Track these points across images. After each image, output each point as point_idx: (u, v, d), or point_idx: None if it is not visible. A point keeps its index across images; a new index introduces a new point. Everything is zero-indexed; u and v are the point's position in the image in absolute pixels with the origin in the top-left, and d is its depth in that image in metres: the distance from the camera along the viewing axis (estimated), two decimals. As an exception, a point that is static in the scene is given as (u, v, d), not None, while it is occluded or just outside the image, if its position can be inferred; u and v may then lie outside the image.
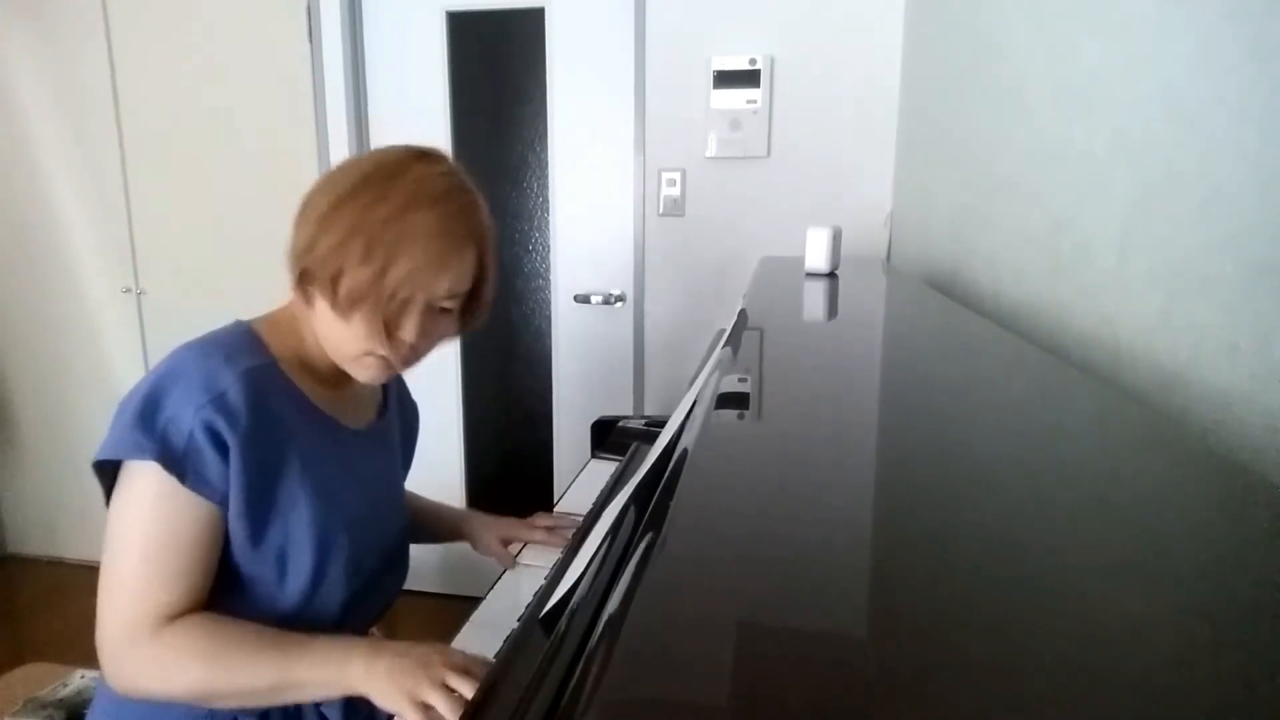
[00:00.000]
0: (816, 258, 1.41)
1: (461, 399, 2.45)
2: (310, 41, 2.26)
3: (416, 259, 0.78)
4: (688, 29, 2.06)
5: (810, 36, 2.01)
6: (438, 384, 2.44)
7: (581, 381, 2.37)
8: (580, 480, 1.38)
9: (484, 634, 0.88)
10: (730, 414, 0.64)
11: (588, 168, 2.24)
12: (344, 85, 2.26)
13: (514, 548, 1.13)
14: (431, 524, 1.19)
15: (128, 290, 2.54)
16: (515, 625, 0.88)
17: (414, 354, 0.85)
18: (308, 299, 0.82)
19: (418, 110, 2.30)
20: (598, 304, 2.29)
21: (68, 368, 2.65)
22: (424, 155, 0.83)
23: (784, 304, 1.20)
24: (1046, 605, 0.34)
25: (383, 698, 0.74)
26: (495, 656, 0.80)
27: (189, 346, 0.80)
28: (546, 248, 2.32)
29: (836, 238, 1.42)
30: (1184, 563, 0.38)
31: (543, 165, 2.28)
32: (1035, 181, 1.06)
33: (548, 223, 2.31)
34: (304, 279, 0.80)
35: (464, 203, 0.82)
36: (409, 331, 0.82)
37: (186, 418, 0.74)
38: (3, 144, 2.55)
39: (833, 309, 1.18)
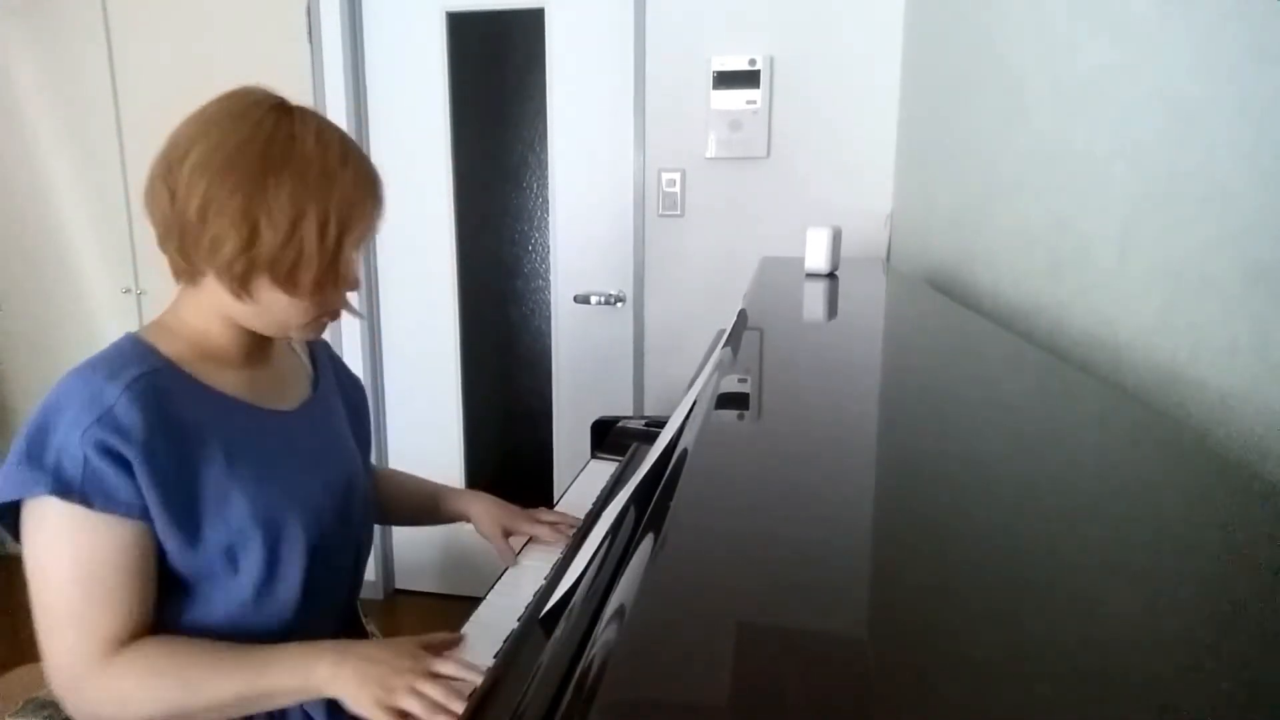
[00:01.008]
0: (816, 258, 1.41)
1: (461, 399, 2.45)
2: (310, 41, 2.26)
3: (361, 222, 0.80)
4: (688, 29, 2.06)
5: (810, 36, 2.01)
6: (438, 384, 2.44)
7: (581, 381, 2.37)
8: (580, 480, 1.38)
9: (484, 634, 0.88)
10: (730, 414, 0.64)
11: (588, 168, 2.24)
12: (344, 85, 2.26)
13: (516, 543, 1.12)
14: (428, 504, 1.16)
15: (128, 290, 2.54)
16: (515, 625, 0.87)
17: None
18: (244, 293, 0.79)
19: (418, 110, 2.30)
20: (598, 304, 2.29)
21: (68, 368, 2.65)
22: (286, 108, 0.81)
23: (784, 304, 1.20)
24: (1046, 605, 0.34)
25: (353, 703, 0.73)
26: (495, 656, 0.80)
27: (72, 371, 0.77)
28: (546, 248, 2.32)
29: (836, 238, 1.42)
30: (1184, 563, 0.38)
31: (543, 165, 2.28)
32: (1035, 181, 1.06)
33: (548, 223, 2.31)
34: (247, 277, 0.78)
35: (355, 145, 0.83)
36: (357, 277, 0.84)
37: (75, 443, 0.71)
38: (3, 144, 2.55)
39: (833, 309, 1.18)
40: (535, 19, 2.19)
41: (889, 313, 1.16)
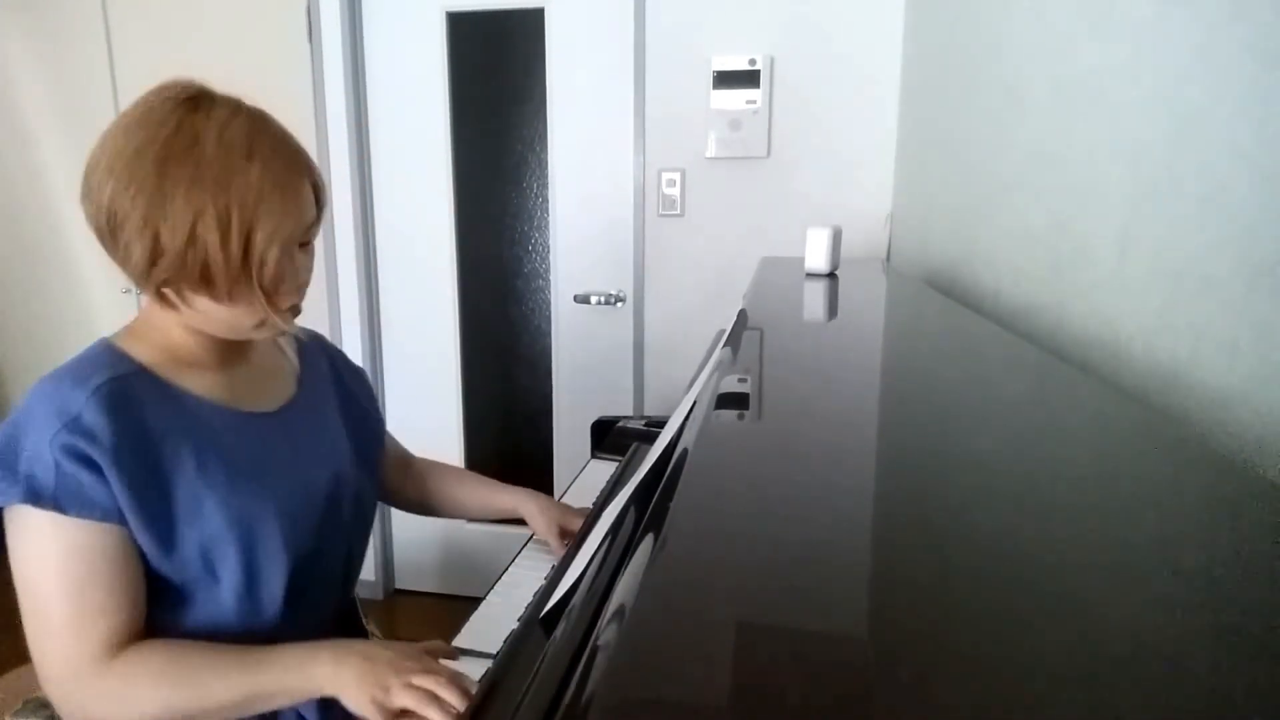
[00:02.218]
0: (816, 258, 1.41)
1: (461, 399, 2.45)
2: (310, 41, 2.26)
3: (270, 219, 0.75)
4: (688, 29, 2.06)
5: (810, 36, 2.01)
6: (438, 384, 2.44)
7: (581, 381, 2.37)
8: (580, 480, 1.38)
9: (484, 634, 0.88)
10: (730, 414, 0.64)
11: (588, 168, 2.24)
12: (344, 85, 2.26)
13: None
14: (480, 499, 1.16)
15: (128, 290, 2.54)
16: (515, 625, 0.87)
17: (306, 284, 0.85)
18: (175, 304, 0.78)
19: (418, 110, 2.30)
20: (598, 304, 2.29)
21: (68, 368, 2.65)
22: (195, 103, 0.76)
23: (784, 304, 1.20)
24: (1046, 605, 0.34)
25: (352, 703, 0.73)
26: (495, 656, 0.80)
27: (43, 379, 0.76)
28: (546, 248, 2.32)
29: (836, 238, 1.42)
30: (1184, 563, 0.38)
31: (543, 165, 2.28)
32: (1035, 181, 1.06)
33: (548, 223, 2.31)
34: (166, 286, 0.76)
35: (272, 137, 0.78)
36: (290, 285, 0.81)
37: (45, 450, 0.71)
38: (3, 144, 2.55)
39: (833, 309, 1.18)
40: (535, 19, 2.19)
41: (889, 313, 1.16)
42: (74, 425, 0.72)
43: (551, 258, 2.32)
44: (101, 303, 2.58)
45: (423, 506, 1.18)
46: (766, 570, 0.38)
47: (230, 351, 0.86)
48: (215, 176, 0.73)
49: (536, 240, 2.34)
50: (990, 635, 0.32)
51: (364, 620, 1.05)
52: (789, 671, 0.30)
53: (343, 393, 1.01)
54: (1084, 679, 0.29)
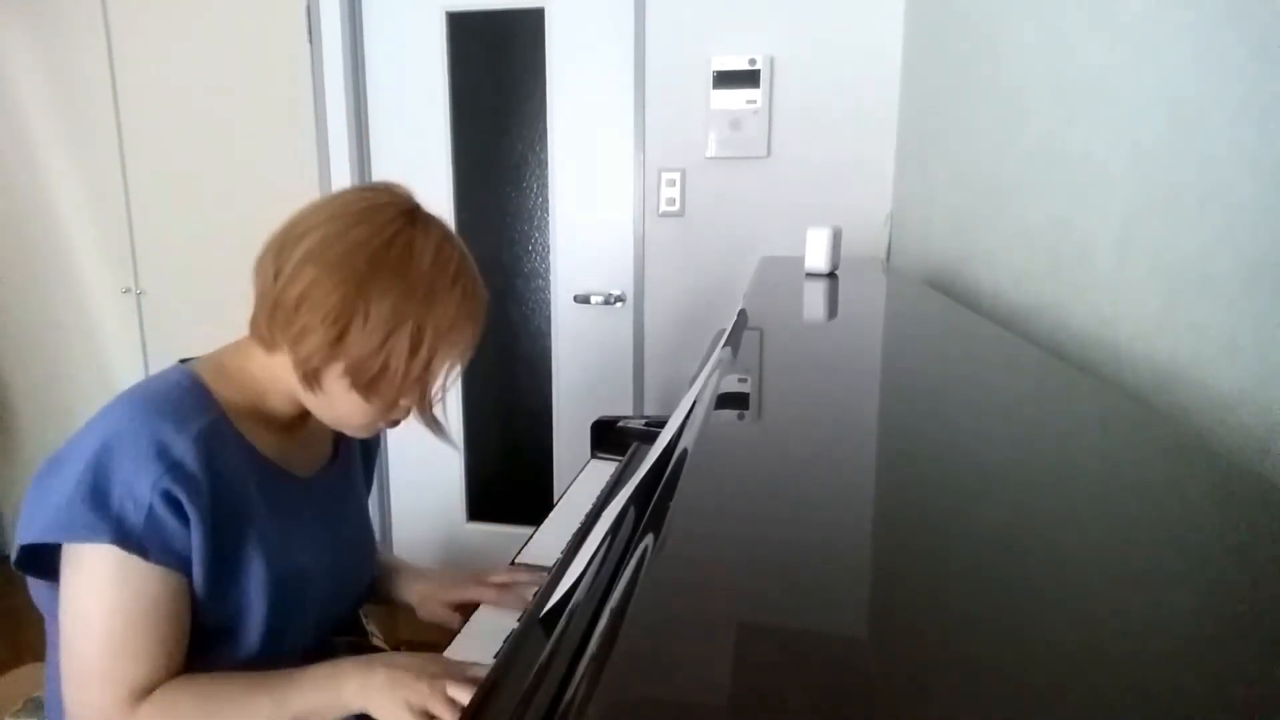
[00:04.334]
0: (816, 258, 1.41)
1: (462, 399, 2.45)
2: (310, 41, 2.26)
3: (457, 344, 0.78)
4: (688, 29, 2.06)
5: (810, 36, 2.01)
6: (438, 384, 2.44)
7: (581, 381, 2.37)
8: (580, 480, 1.38)
9: (484, 634, 0.88)
10: (730, 414, 0.64)
11: (588, 168, 2.24)
12: (344, 85, 2.26)
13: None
14: (376, 583, 1.06)
15: (128, 290, 2.54)
16: (515, 625, 0.87)
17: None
18: (313, 384, 0.77)
19: (418, 110, 2.30)
20: (598, 304, 2.29)
21: (68, 368, 2.65)
22: (414, 216, 0.78)
23: (784, 304, 1.20)
24: (1046, 605, 0.34)
25: (382, 712, 0.72)
26: (495, 656, 0.80)
27: (130, 404, 0.73)
28: (546, 248, 2.32)
29: (836, 238, 1.42)
30: (1184, 563, 0.38)
31: (543, 165, 2.28)
32: (1035, 181, 1.06)
33: (548, 223, 2.31)
34: (311, 377, 0.76)
35: (473, 269, 0.81)
36: (438, 398, 0.82)
37: (144, 492, 0.68)
38: (3, 144, 2.55)
39: (833, 309, 1.18)
40: (535, 19, 2.19)
41: (889, 313, 1.16)
42: (177, 472, 0.70)
43: (551, 258, 2.32)
44: (101, 303, 2.58)
45: None
46: (766, 570, 0.38)
47: (300, 418, 0.85)
48: (423, 295, 0.75)
49: (536, 240, 2.34)
50: (990, 635, 0.32)
51: (364, 621, 1.05)
52: (789, 671, 0.30)
53: (365, 451, 1.01)
54: (1084, 679, 0.29)
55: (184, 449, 0.71)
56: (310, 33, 2.26)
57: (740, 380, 0.73)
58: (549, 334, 2.37)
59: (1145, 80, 0.77)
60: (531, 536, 1.15)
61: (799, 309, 1.18)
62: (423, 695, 0.71)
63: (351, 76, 2.27)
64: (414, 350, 0.75)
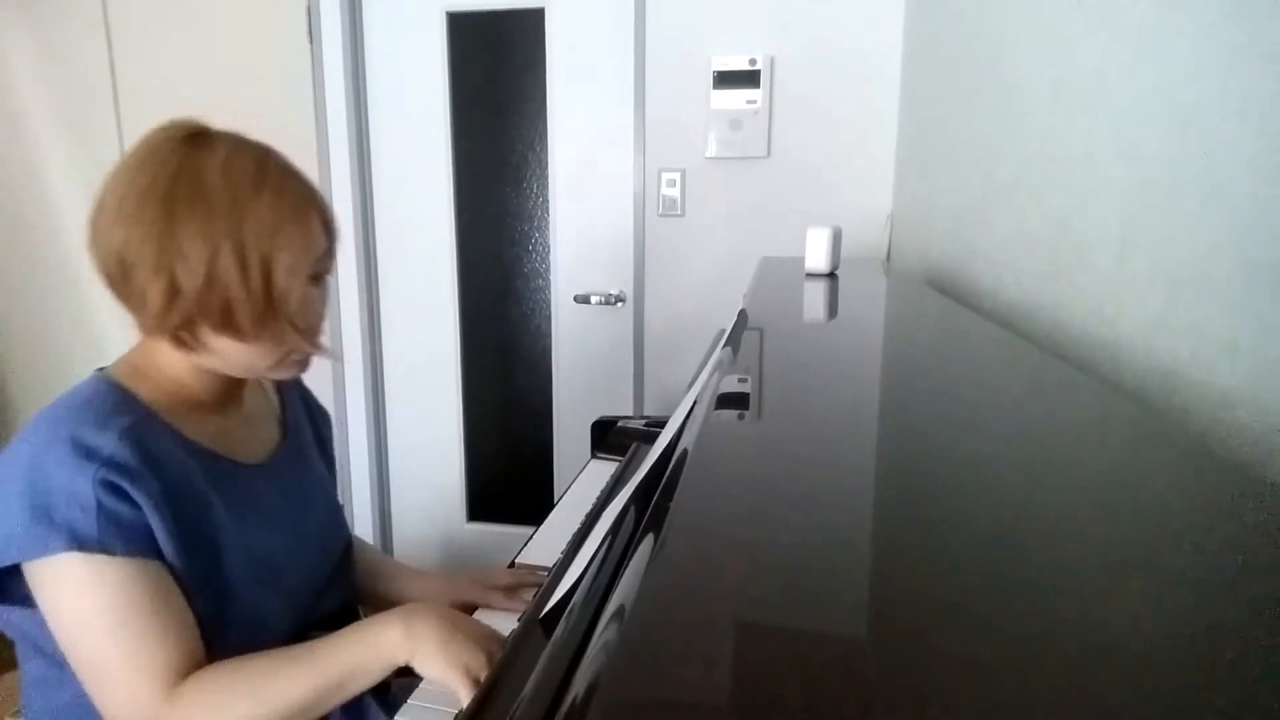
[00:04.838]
0: (816, 258, 1.41)
1: (461, 399, 2.45)
2: (310, 41, 2.26)
3: (288, 247, 0.74)
4: (688, 29, 2.06)
5: (810, 36, 2.01)
6: (438, 384, 2.44)
7: (581, 381, 2.37)
8: (580, 480, 1.38)
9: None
10: (730, 414, 0.64)
11: (588, 168, 2.24)
12: (344, 85, 2.26)
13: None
14: (371, 584, 1.04)
15: (128, 290, 2.54)
16: (515, 625, 0.87)
17: (323, 321, 0.83)
18: (191, 344, 0.75)
19: (418, 110, 2.30)
20: (598, 304, 2.29)
21: (67, 368, 2.65)
22: (196, 140, 0.74)
23: (784, 304, 1.20)
24: (1046, 605, 0.34)
25: (431, 664, 0.70)
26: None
27: (48, 419, 0.71)
28: (546, 248, 2.32)
29: (836, 238, 1.42)
30: (1184, 563, 0.38)
31: (543, 165, 2.28)
32: (1035, 181, 1.06)
33: (548, 223, 2.31)
34: (183, 329, 0.74)
35: (278, 169, 0.77)
36: (313, 315, 0.79)
37: (86, 491, 0.67)
38: (3, 143, 2.55)
39: (833, 309, 1.18)
40: (535, 19, 2.19)
41: (889, 313, 1.16)
42: (112, 465, 0.69)
43: (551, 258, 2.32)
44: (100, 303, 2.58)
45: None
46: (767, 570, 0.38)
47: (231, 392, 0.84)
48: (226, 212, 0.71)
49: (536, 240, 2.34)
50: (990, 635, 0.32)
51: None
52: (789, 671, 0.30)
53: (317, 435, 1.00)
54: (1083, 679, 0.29)
55: (111, 446, 0.70)
56: (310, 33, 2.26)
57: (740, 380, 0.73)
58: (549, 334, 2.37)
59: (1145, 80, 0.77)
60: (531, 536, 1.15)
61: (799, 309, 1.18)
62: (480, 662, 0.70)
63: (351, 76, 2.27)
64: (244, 269, 0.72)
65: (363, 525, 2.47)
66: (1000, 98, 1.21)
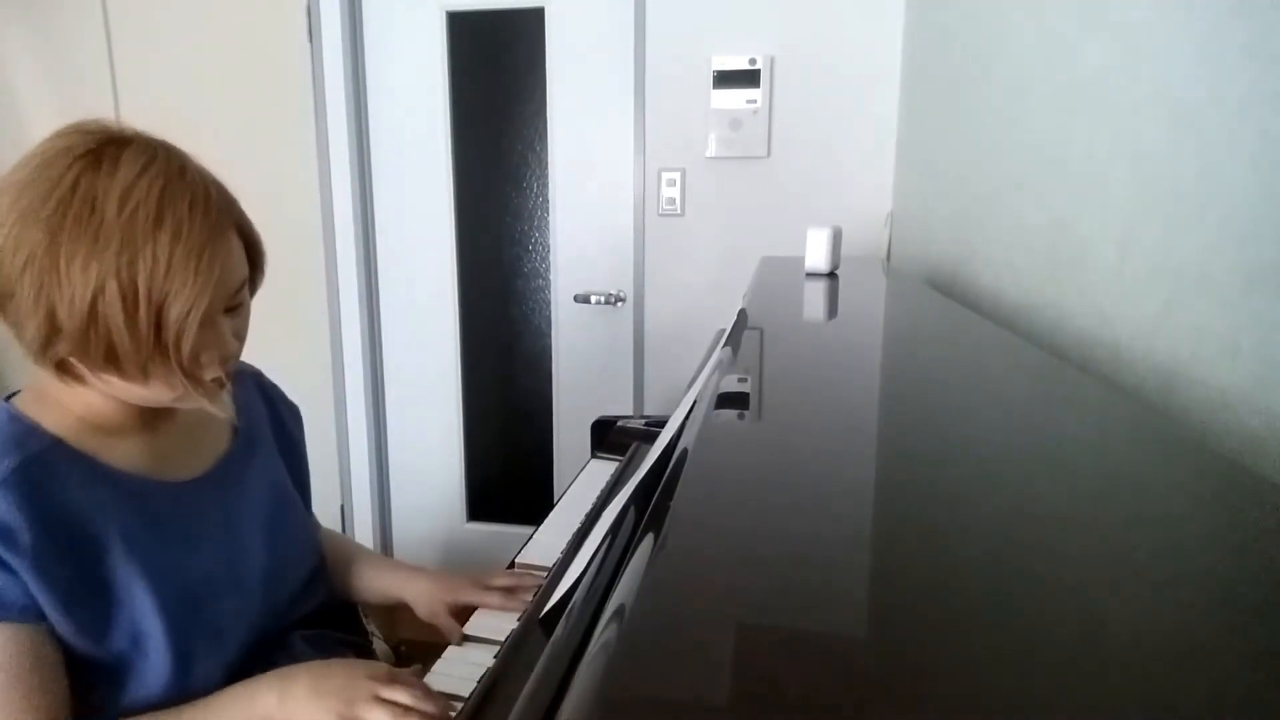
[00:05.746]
0: (816, 258, 1.41)
1: (461, 399, 2.45)
2: (310, 41, 2.26)
3: (186, 291, 0.65)
4: (688, 29, 2.06)
5: (810, 36, 2.01)
6: (438, 384, 2.44)
7: (581, 381, 2.37)
8: (580, 480, 1.38)
9: (483, 635, 0.88)
10: (730, 414, 0.64)
11: (588, 168, 2.24)
12: (344, 85, 2.26)
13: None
14: (362, 580, 1.01)
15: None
16: (515, 625, 0.87)
17: (234, 355, 0.74)
18: (81, 377, 0.68)
19: (418, 110, 2.30)
20: (598, 304, 2.29)
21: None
22: (98, 157, 0.65)
23: (784, 304, 1.20)
24: (1046, 605, 0.34)
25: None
26: (495, 657, 0.80)
27: None
28: (546, 248, 2.32)
29: (836, 238, 1.42)
30: (1184, 562, 0.38)
31: (543, 165, 2.28)
32: (1035, 182, 1.06)
33: (548, 223, 2.31)
34: (63, 368, 0.67)
35: (187, 195, 0.67)
36: (213, 356, 0.70)
37: None
38: (3, 144, 2.54)
39: (833, 309, 1.18)
40: (535, 19, 2.19)
41: (889, 313, 1.16)
42: None
43: (551, 258, 2.32)
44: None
45: None
46: (767, 570, 0.38)
47: (153, 415, 0.77)
48: (117, 248, 0.63)
49: (536, 240, 2.34)
50: (990, 634, 0.32)
51: (365, 620, 1.05)
52: (789, 671, 0.30)
53: (283, 436, 0.94)
54: (1084, 679, 0.29)
55: None
56: (310, 33, 2.26)
57: (740, 380, 0.73)
58: (549, 334, 2.37)
59: (1145, 80, 0.77)
60: (531, 536, 1.15)
61: (799, 309, 1.18)
62: (352, 701, 0.68)
63: (351, 76, 2.27)
64: (132, 312, 0.64)
65: (363, 525, 2.47)
66: (1000, 98, 1.21)
